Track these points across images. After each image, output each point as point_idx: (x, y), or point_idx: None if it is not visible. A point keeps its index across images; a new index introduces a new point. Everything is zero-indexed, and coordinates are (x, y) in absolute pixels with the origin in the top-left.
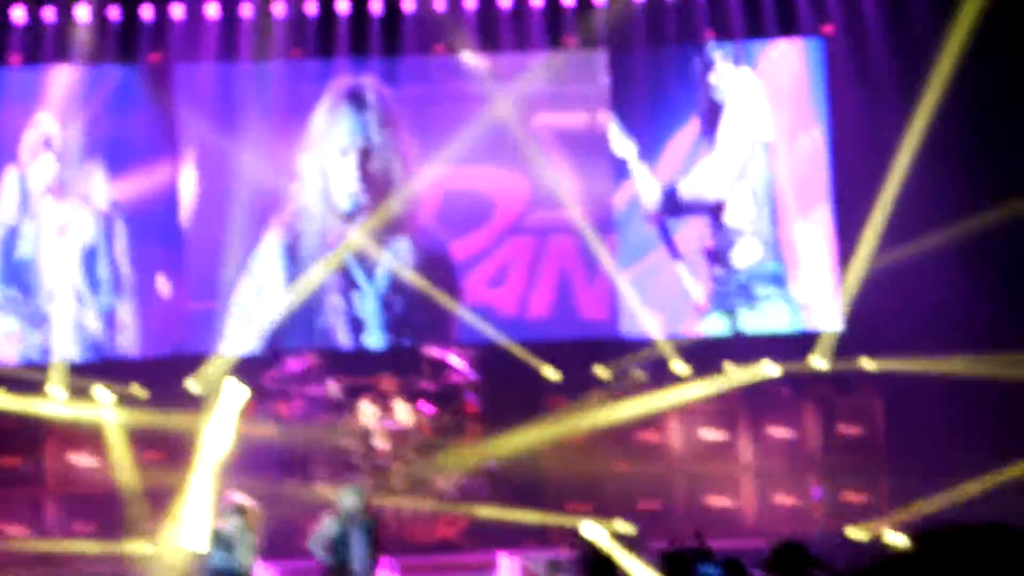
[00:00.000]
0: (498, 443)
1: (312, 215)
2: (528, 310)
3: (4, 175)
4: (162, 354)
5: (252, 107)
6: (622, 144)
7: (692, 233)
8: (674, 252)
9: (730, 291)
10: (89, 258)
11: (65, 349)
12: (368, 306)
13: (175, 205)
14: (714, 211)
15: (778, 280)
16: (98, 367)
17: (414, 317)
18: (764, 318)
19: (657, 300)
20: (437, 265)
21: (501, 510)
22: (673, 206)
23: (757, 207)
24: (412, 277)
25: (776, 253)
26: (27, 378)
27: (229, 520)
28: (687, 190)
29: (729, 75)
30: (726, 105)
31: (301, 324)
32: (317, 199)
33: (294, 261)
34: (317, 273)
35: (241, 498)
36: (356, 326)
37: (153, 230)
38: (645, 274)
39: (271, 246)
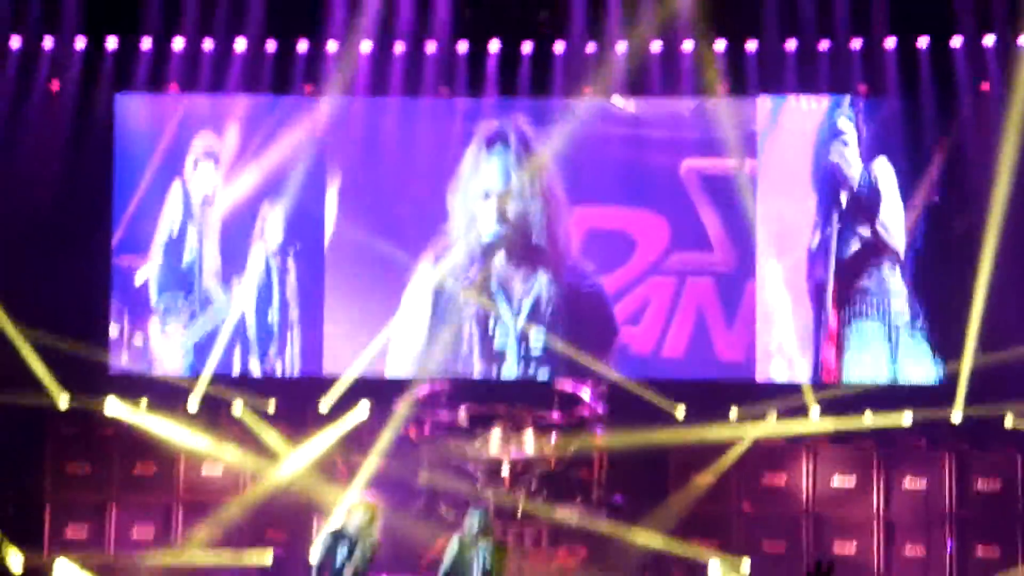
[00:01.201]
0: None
1: (458, 251)
2: (663, 349)
3: (170, 189)
4: (301, 374)
5: (399, 142)
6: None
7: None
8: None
9: (871, 339)
10: (263, 291)
11: (217, 361)
12: (507, 337)
13: (322, 233)
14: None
15: (920, 329)
16: (241, 382)
17: (551, 351)
18: (906, 368)
19: (797, 346)
20: (583, 301)
21: (624, 541)
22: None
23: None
24: (556, 310)
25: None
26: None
27: (353, 518)
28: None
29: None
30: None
31: (440, 352)
32: (462, 236)
33: (440, 293)
34: (460, 304)
35: (367, 497)
36: (493, 356)
37: (302, 256)
38: (785, 320)
39: (421, 277)
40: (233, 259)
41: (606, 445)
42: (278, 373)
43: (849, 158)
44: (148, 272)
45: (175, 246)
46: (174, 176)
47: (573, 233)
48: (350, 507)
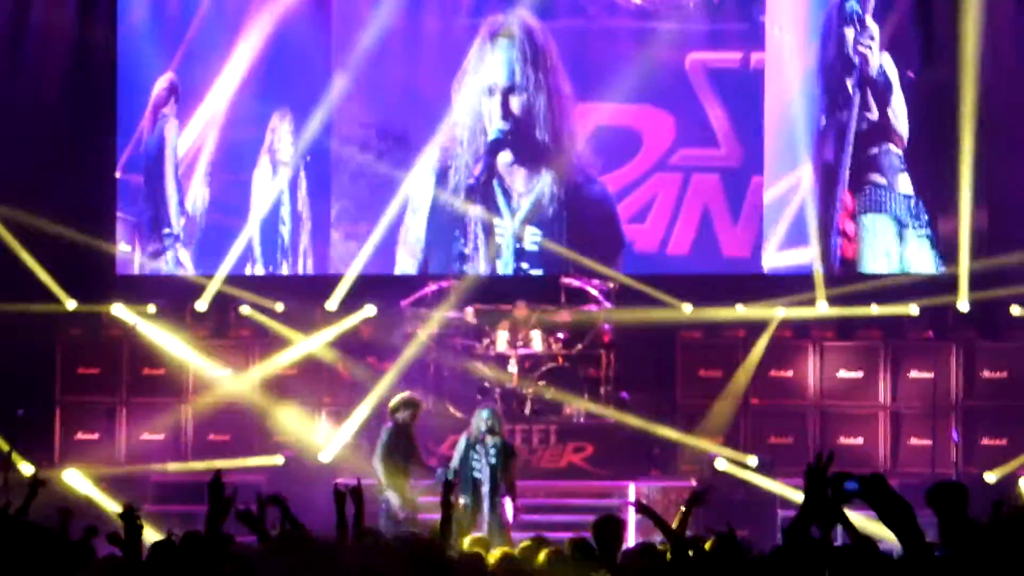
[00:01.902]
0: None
1: (462, 146)
2: (669, 246)
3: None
4: (305, 273)
5: (404, 38)
6: None
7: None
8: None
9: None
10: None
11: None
12: (508, 234)
13: (329, 135)
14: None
15: (923, 220)
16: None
17: (548, 251)
18: (911, 259)
19: (803, 239)
20: (588, 202)
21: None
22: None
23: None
24: (559, 210)
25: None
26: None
27: (479, 422)
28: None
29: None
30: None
31: (443, 249)
32: (466, 132)
33: (443, 187)
34: (462, 200)
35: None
36: (496, 253)
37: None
38: (793, 214)
39: (424, 170)
40: (241, 168)
41: (613, 339)
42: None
43: (859, 46)
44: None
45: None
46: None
47: (578, 130)
48: (476, 412)
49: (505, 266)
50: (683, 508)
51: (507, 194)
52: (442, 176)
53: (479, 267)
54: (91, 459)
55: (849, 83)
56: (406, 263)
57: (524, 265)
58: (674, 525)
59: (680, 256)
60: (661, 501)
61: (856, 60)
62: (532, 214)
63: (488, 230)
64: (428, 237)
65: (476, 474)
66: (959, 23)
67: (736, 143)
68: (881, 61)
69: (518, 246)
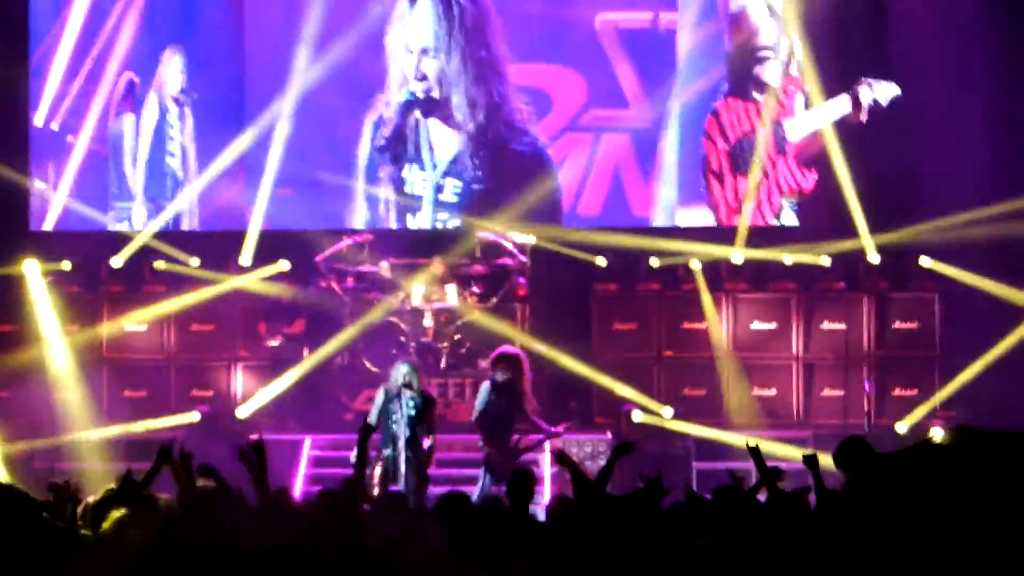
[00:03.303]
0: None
1: (383, 105)
2: (580, 207)
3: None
4: (222, 229)
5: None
6: None
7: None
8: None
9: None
10: (158, 137)
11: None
12: (430, 187)
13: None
14: None
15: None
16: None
17: (469, 201)
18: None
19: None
20: (506, 156)
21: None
22: None
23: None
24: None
25: None
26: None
27: (397, 374)
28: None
29: None
30: None
31: (366, 203)
32: (389, 90)
33: (363, 148)
34: (382, 158)
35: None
36: (410, 208)
37: (220, 107)
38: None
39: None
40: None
41: (528, 293)
42: (185, 227)
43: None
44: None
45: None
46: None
47: (493, 89)
48: (395, 364)
49: (425, 219)
50: (608, 460)
51: (429, 148)
52: (376, 131)
53: (395, 221)
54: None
55: (755, 40)
56: (332, 218)
57: (442, 215)
58: (598, 477)
59: (591, 217)
60: (576, 454)
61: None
62: (452, 167)
63: (402, 185)
64: (350, 191)
65: (395, 427)
66: None
67: (646, 103)
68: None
69: (438, 197)
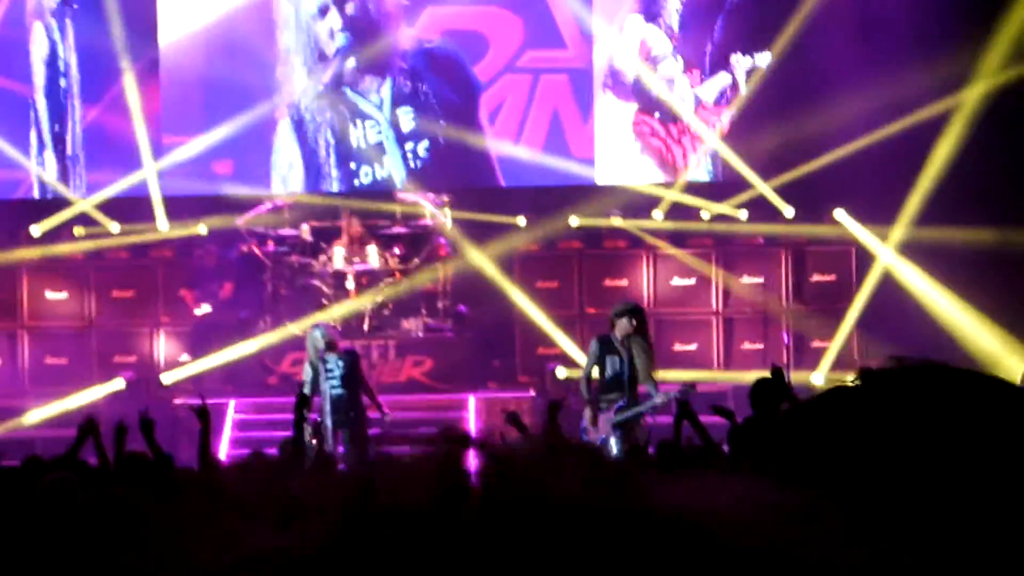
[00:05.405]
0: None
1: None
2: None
3: None
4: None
5: None
6: None
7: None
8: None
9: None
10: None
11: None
12: (385, 127)
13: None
14: None
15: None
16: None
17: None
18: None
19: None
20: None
21: (470, 351)
22: None
23: None
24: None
25: None
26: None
27: (312, 342)
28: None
29: None
30: None
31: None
32: (302, 49)
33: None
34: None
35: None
36: (362, 158)
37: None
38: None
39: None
40: None
41: (450, 253)
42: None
43: None
44: None
45: None
46: None
47: (424, 35)
48: (308, 335)
49: (394, 161)
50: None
51: (363, 96)
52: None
53: (324, 182)
54: None
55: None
56: (276, 185)
57: (407, 145)
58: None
59: (531, 161)
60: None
61: None
62: (385, 124)
63: (345, 139)
64: (289, 159)
65: (333, 391)
66: None
67: (584, 44)
68: None
69: (396, 132)
